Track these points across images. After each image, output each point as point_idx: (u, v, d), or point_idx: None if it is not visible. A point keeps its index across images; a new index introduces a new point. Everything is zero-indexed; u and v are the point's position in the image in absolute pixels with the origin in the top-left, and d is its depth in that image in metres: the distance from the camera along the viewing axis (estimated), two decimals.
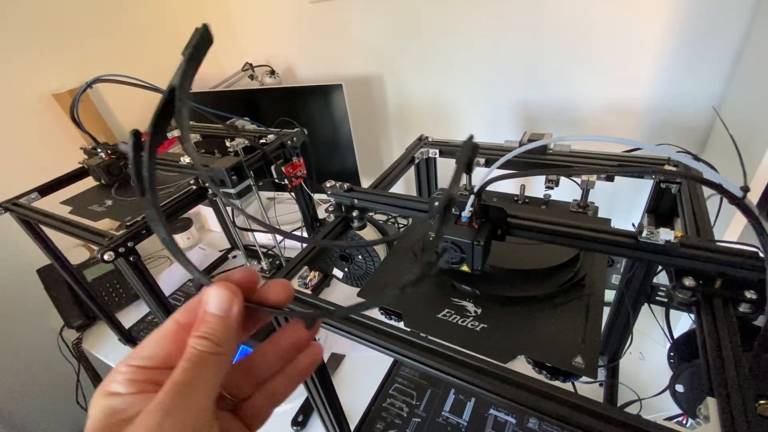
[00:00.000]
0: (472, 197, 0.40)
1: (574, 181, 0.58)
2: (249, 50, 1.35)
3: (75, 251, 1.22)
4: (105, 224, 0.72)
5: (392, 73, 1.16)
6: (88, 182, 0.88)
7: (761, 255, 0.33)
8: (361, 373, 0.90)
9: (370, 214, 0.66)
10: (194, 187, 0.74)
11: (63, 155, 1.16)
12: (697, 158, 0.57)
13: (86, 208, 0.78)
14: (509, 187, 0.85)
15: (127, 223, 0.65)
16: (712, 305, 0.34)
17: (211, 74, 1.41)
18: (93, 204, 0.79)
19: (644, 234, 0.37)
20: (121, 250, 0.60)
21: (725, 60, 0.77)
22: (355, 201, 0.54)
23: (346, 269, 0.94)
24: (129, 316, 1.10)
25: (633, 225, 0.40)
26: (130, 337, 1.03)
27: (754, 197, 0.58)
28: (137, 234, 0.63)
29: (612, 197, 0.98)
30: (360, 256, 0.88)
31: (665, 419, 0.64)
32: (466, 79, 1.06)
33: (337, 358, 0.94)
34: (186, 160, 0.76)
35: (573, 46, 0.89)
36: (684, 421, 0.69)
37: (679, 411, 0.57)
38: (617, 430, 0.26)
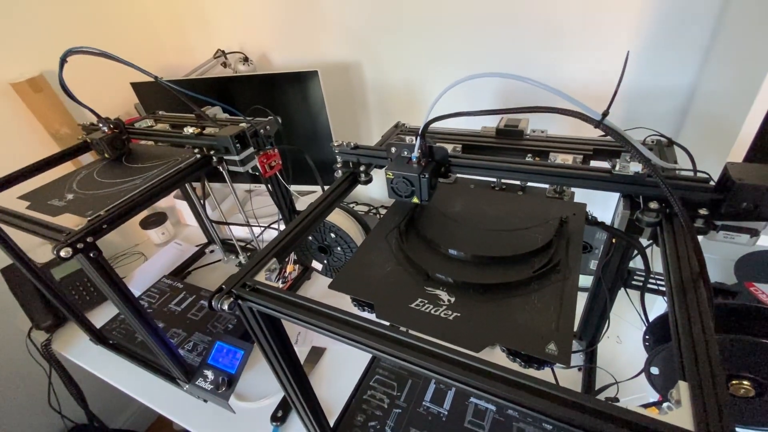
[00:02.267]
0: (418, 139, 0.50)
1: None
2: (221, 37, 1.30)
3: (42, 249, 1.17)
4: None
5: (371, 60, 1.13)
6: (62, 170, 0.84)
7: (712, 181, 0.42)
8: (342, 365, 0.89)
9: (347, 203, 0.65)
10: (198, 156, 0.78)
11: (25, 147, 1.10)
12: (671, 142, 0.57)
13: (45, 202, 0.73)
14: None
15: (89, 218, 0.62)
16: (672, 223, 0.42)
17: (182, 62, 1.36)
18: (53, 198, 0.74)
19: (617, 167, 0.46)
20: (80, 246, 0.56)
21: (698, 46, 0.77)
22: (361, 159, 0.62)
23: (325, 261, 0.92)
24: (102, 315, 1.06)
25: (608, 161, 0.48)
26: (102, 337, 0.99)
27: None
28: (98, 229, 0.60)
29: None
30: (339, 248, 0.87)
31: (645, 405, 0.65)
32: (445, 66, 1.04)
33: (317, 352, 0.92)
34: (190, 130, 0.79)
35: (550, 33, 0.88)
36: (662, 406, 0.70)
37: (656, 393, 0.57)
38: (590, 417, 0.25)
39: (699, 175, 0.45)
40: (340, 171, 0.64)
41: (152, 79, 0.76)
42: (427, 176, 0.49)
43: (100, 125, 0.85)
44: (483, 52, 0.97)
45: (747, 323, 0.47)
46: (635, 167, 0.45)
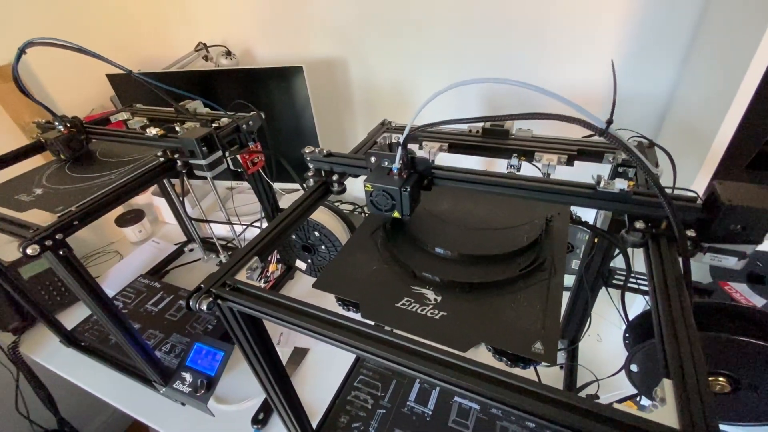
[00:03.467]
0: (399, 149, 0.46)
1: (536, 166, 0.58)
2: (203, 29, 1.26)
3: (10, 247, 1.11)
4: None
5: (357, 57, 1.12)
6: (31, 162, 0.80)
7: (699, 200, 0.40)
8: (326, 366, 0.87)
9: (332, 202, 0.63)
10: (162, 159, 0.71)
11: None
12: (652, 143, 0.58)
13: (12, 197, 0.69)
14: None
15: (58, 214, 0.59)
16: (659, 244, 0.40)
17: (162, 55, 1.31)
18: (20, 193, 0.70)
19: (602, 184, 0.42)
20: (48, 243, 0.53)
21: (677, 55, 0.79)
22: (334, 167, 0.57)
23: (309, 260, 0.90)
24: (74, 316, 1.02)
25: (592, 177, 0.44)
26: (73, 339, 0.95)
27: (705, 176, 0.60)
28: (68, 225, 0.57)
29: None
30: (323, 246, 0.85)
31: (622, 399, 0.66)
32: (432, 65, 1.04)
33: (300, 352, 0.91)
34: (153, 131, 0.72)
35: (535, 34, 0.89)
36: (638, 399, 0.72)
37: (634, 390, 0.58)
38: (574, 416, 0.25)
39: (686, 193, 0.42)
40: (311, 180, 0.59)
41: (142, 80, 0.72)
42: (408, 190, 0.46)
43: (56, 124, 0.78)
44: (471, 54, 0.98)
45: (722, 321, 0.48)
46: (621, 184, 0.42)
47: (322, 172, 0.58)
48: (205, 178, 0.73)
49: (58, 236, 0.55)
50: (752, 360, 0.45)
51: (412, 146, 0.68)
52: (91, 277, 0.61)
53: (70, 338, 0.95)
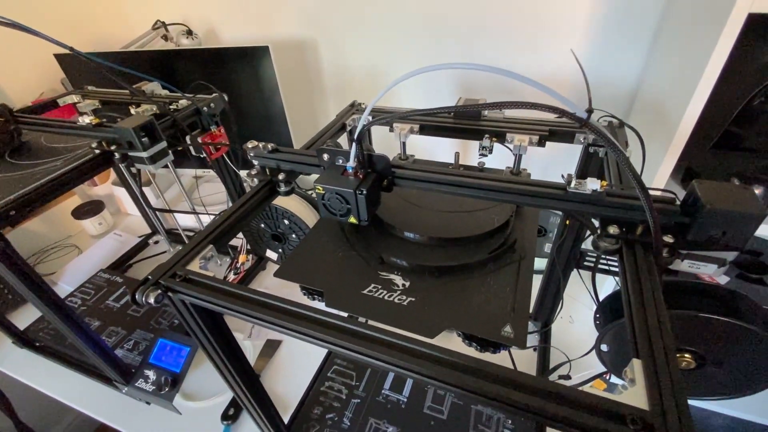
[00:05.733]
0: (354, 146, 0.39)
1: (507, 147, 0.56)
2: (162, 7, 1.18)
3: None
4: None
5: (327, 38, 1.08)
6: None
7: (677, 201, 0.36)
8: (300, 357, 0.85)
9: (305, 189, 0.60)
10: (97, 151, 0.62)
11: None
12: (622, 123, 0.58)
13: None
14: (446, 156, 0.82)
15: None
16: (634, 251, 0.36)
17: (117, 34, 1.23)
18: None
19: (572, 185, 0.37)
20: None
21: (645, 34, 0.79)
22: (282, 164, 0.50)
23: (280, 250, 0.87)
24: (27, 315, 0.95)
25: (562, 176, 0.40)
26: (27, 339, 0.89)
27: (673, 157, 0.60)
28: (4, 215, 0.51)
29: (546, 164, 1.00)
30: (294, 235, 0.82)
31: (591, 378, 0.67)
32: (403, 46, 1.01)
33: (273, 345, 0.88)
34: (86, 120, 0.63)
35: (507, 16, 0.87)
36: (608, 377, 0.73)
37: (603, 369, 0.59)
38: (547, 402, 0.24)
39: (665, 195, 0.38)
40: (255, 179, 0.52)
41: (80, 55, 0.65)
42: (365, 192, 0.39)
43: None
44: (444, 36, 0.95)
45: (687, 299, 0.49)
46: (593, 184, 0.38)
47: (267, 171, 0.52)
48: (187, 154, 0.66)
49: None
50: (717, 336, 0.46)
51: (383, 129, 0.66)
52: (33, 271, 0.56)
53: (24, 339, 0.89)
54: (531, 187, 0.39)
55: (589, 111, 0.32)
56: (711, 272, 0.36)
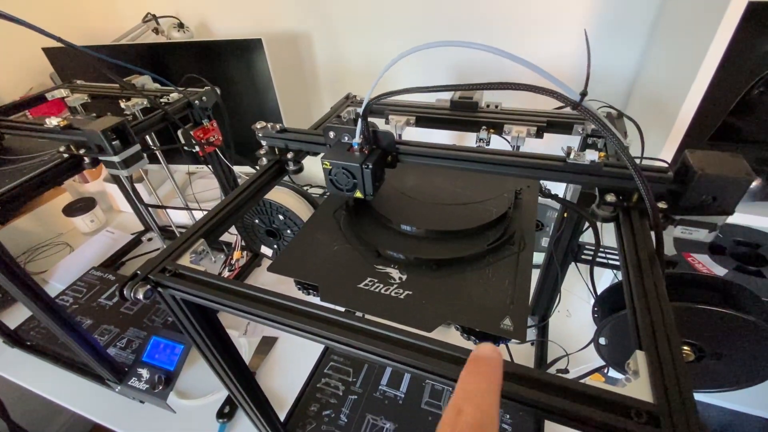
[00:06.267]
0: (360, 123, 0.41)
1: (505, 139, 0.56)
2: (154, 1, 1.15)
3: None
4: None
5: (321, 31, 1.06)
6: None
7: (670, 171, 0.38)
8: (296, 354, 0.84)
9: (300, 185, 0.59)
10: (66, 155, 0.58)
11: None
12: (621, 114, 0.57)
13: None
14: None
15: None
16: (630, 217, 0.38)
17: (107, 28, 1.20)
18: None
19: (572, 156, 0.40)
20: None
21: (645, 25, 0.79)
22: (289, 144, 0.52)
23: (275, 246, 0.86)
24: (18, 314, 0.94)
25: (562, 149, 0.41)
26: (18, 338, 0.87)
27: (671, 148, 0.60)
28: None
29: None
30: (289, 231, 0.81)
31: (589, 371, 0.66)
32: (399, 37, 0.99)
33: (268, 341, 0.87)
34: (54, 122, 0.58)
35: (503, 8, 0.86)
36: (606, 371, 0.73)
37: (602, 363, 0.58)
38: (551, 396, 0.23)
39: (657, 163, 0.41)
40: (264, 158, 0.54)
41: (68, 45, 0.63)
42: (370, 167, 0.41)
43: None
44: (441, 29, 0.94)
45: (686, 291, 0.48)
46: (591, 155, 0.40)
47: (276, 150, 0.53)
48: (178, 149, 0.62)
49: None
50: (716, 328, 0.45)
51: (378, 121, 0.65)
52: (17, 265, 0.54)
53: (14, 338, 0.87)
54: (533, 160, 0.42)
55: (583, 94, 0.32)
56: (702, 237, 0.39)
